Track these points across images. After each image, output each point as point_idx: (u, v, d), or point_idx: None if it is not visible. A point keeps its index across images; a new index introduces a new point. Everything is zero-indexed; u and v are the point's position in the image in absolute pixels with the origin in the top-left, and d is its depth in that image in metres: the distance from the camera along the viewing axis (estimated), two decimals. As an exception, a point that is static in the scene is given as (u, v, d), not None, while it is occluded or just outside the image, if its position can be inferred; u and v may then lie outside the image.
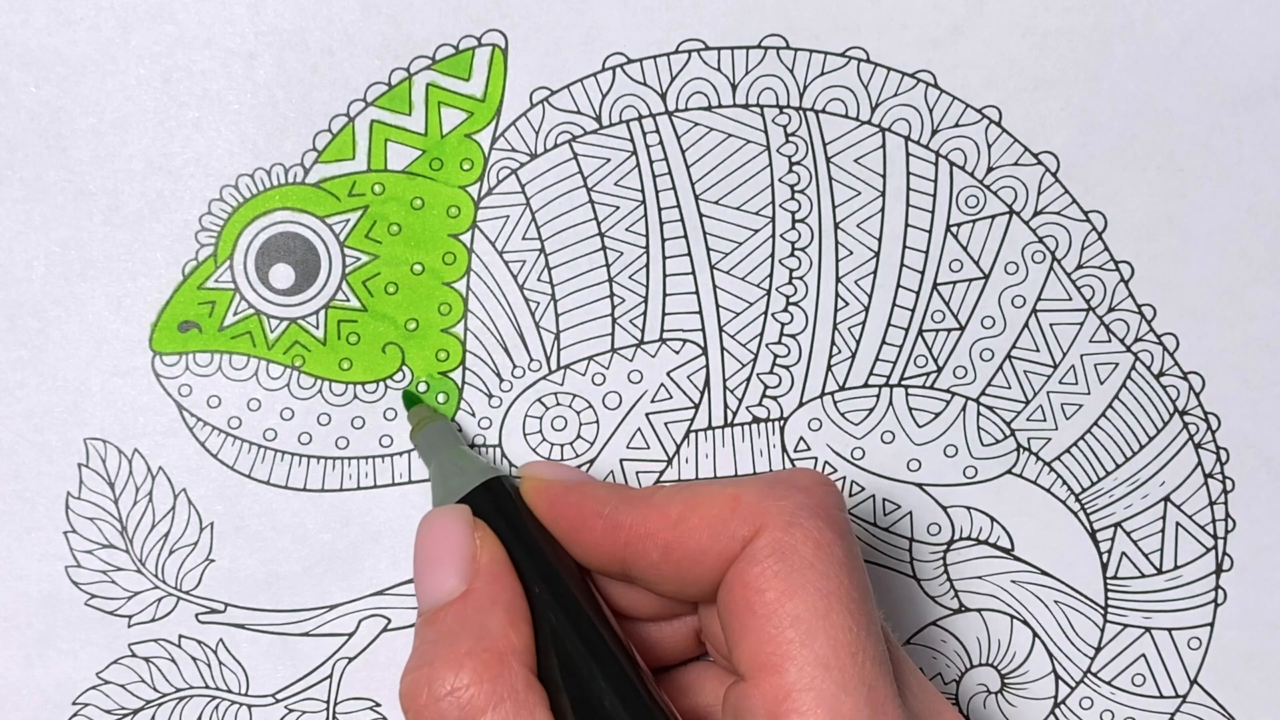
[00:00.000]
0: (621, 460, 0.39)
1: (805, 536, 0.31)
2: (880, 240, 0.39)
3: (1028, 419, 0.40)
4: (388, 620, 0.39)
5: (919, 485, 0.40)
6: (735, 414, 0.39)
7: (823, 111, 0.39)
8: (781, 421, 0.39)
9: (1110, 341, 0.40)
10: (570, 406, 0.39)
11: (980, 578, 0.40)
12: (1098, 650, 0.41)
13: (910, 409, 0.40)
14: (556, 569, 0.34)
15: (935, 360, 0.40)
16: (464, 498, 0.35)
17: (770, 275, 0.39)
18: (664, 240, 0.39)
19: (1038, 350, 0.40)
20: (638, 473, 0.39)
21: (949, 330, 0.40)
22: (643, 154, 0.39)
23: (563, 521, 0.34)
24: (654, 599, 0.35)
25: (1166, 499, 0.40)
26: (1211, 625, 0.41)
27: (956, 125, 0.39)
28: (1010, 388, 0.40)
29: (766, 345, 0.39)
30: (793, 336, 0.39)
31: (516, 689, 0.31)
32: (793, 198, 0.39)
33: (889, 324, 0.40)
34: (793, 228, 0.39)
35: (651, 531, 0.33)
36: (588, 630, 0.33)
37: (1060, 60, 0.39)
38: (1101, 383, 0.40)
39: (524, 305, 0.39)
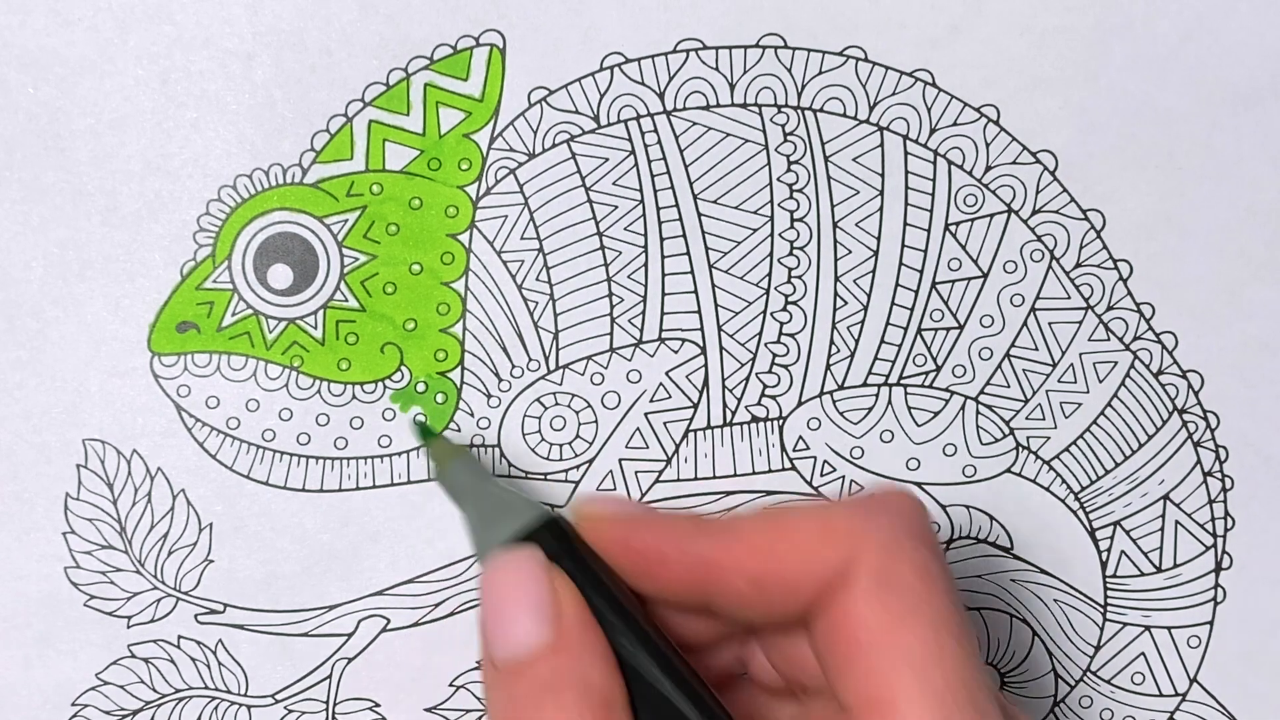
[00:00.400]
0: (620, 460, 0.39)
1: (908, 562, 0.30)
2: (879, 239, 0.39)
3: (1027, 418, 0.40)
4: (387, 620, 0.39)
5: (918, 484, 0.40)
6: (734, 413, 0.39)
7: (821, 110, 0.39)
8: (780, 421, 0.39)
9: (1109, 340, 0.40)
10: (569, 406, 0.39)
11: (979, 577, 0.40)
12: (1097, 649, 0.41)
13: (909, 408, 0.40)
14: (628, 610, 0.32)
15: (934, 359, 0.40)
16: (524, 539, 0.33)
17: (769, 274, 0.39)
18: (662, 240, 0.39)
19: (1036, 349, 0.40)
20: (637, 472, 0.39)
21: (948, 329, 0.40)
22: (641, 153, 0.39)
23: (639, 562, 0.32)
24: (709, 625, 0.34)
25: (1166, 497, 0.40)
26: (1211, 624, 0.41)
27: (955, 124, 0.39)
28: (1009, 386, 0.40)
29: (765, 344, 0.39)
30: (791, 336, 0.39)
31: None
32: (791, 197, 0.39)
33: (888, 323, 0.39)
34: (791, 227, 0.39)
35: (738, 563, 0.31)
36: (674, 673, 0.31)
37: (1059, 59, 0.39)
38: (1100, 381, 0.40)
39: (522, 305, 0.39)
